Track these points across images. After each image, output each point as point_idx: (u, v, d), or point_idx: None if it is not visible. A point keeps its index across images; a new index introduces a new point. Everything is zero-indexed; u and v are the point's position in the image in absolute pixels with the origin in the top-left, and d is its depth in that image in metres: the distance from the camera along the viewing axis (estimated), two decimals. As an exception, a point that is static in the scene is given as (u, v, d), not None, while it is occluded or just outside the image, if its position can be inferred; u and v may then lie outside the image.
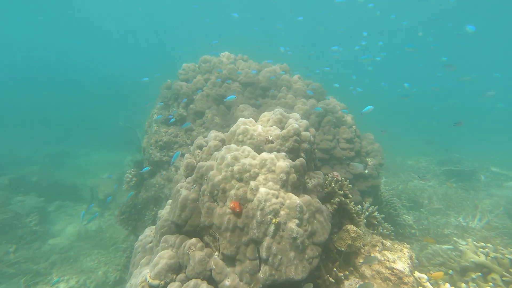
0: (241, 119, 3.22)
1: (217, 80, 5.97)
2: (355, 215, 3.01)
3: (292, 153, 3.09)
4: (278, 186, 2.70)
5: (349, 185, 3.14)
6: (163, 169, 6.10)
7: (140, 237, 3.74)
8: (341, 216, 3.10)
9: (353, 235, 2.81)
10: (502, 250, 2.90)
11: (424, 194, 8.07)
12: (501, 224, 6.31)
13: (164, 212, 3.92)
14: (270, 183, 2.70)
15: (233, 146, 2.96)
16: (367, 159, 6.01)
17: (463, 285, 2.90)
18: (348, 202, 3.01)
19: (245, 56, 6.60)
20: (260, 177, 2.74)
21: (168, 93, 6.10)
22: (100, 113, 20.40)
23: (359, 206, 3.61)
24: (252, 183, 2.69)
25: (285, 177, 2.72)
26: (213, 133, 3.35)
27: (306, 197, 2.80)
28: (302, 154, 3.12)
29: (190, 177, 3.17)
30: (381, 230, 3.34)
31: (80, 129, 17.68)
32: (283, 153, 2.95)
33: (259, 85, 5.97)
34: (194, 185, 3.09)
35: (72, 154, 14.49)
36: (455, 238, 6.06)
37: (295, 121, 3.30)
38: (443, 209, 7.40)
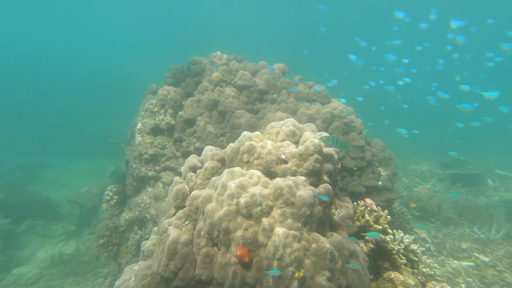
0: (245, 133, 2.49)
1: (209, 83, 5.23)
2: (397, 257, 2.34)
3: (313, 176, 2.40)
4: (299, 225, 2.00)
5: (388, 217, 2.47)
6: (149, 186, 5.28)
7: (116, 284, 2.93)
8: (376, 255, 2.42)
9: None
10: None
11: (432, 202, 7.57)
12: (523, 235, 5.85)
13: (149, 244, 3.13)
14: (289, 221, 1.99)
15: (237, 169, 2.24)
16: (380, 169, 5.40)
17: None
18: (388, 240, 2.34)
19: (239, 57, 5.90)
20: (275, 213, 2.03)
21: (154, 99, 5.30)
22: (84, 118, 19.09)
23: (391, 236, 2.93)
24: (265, 220, 1.98)
25: (308, 212, 2.02)
26: (209, 151, 2.61)
27: (336, 237, 2.11)
28: (325, 177, 2.43)
29: (181, 210, 2.42)
30: (424, 270, 2.68)
31: (60, 136, 16.35)
32: (303, 178, 2.25)
33: (256, 88, 5.28)
34: (186, 222, 2.34)
35: (48, 164, 13.24)
36: (476, 254, 5.54)
37: (313, 134, 2.61)
38: (455, 218, 6.91)
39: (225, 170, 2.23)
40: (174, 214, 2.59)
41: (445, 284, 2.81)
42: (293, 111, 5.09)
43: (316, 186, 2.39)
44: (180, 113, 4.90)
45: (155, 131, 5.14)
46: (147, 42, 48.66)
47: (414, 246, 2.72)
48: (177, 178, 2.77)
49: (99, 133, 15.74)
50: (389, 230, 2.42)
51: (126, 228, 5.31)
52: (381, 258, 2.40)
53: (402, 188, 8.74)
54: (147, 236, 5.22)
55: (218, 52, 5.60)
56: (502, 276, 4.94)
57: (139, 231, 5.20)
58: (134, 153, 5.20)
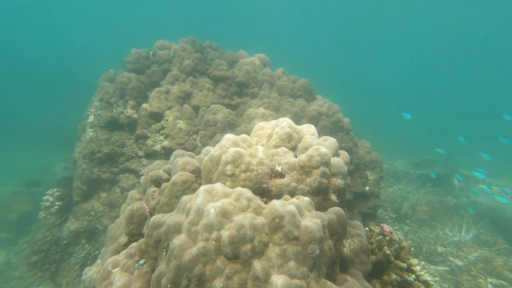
0: (228, 136, 1.83)
1: (180, 72, 4.40)
2: None
3: (318, 196, 1.83)
4: (305, 269, 1.42)
5: (411, 249, 2.00)
6: (103, 191, 4.34)
7: None
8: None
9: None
10: None
11: (406, 203, 7.64)
12: (492, 238, 6.05)
13: (92, 273, 2.34)
14: (292, 264, 1.40)
15: (218, 188, 1.58)
16: (367, 173, 5.10)
17: None
18: (412, 281, 1.87)
19: (214, 44, 5.11)
20: (272, 252, 1.42)
21: (111, 87, 4.32)
22: (28, 105, 16.45)
23: (414, 277, 2.51)
24: (258, 264, 1.37)
25: (317, 250, 1.45)
26: (180, 158, 1.90)
27: (352, 284, 1.57)
28: (334, 197, 1.88)
29: (135, 244, 1.69)
30: None
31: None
32: (307, 200, 1.67)
33: (234, 80, 4.59)
34: (141, 262, 1.62)
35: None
36: (450, 258, 5.57)
37: (316, 139, 2.04)
38: (428, 220, 7.02)
39: (202, 188, 1.55)
40: (126, 244, 1.85)
41: None
42: (276, 107, 4.51)
43: (322, 208, 1.83)
44: (145, 105, 4.02)
45: (112, 125, 4.20)
46: (103, 19, 41.95)
47: (427, 276, 2.32)
48: (133, 193, 2.01)
49: (44, 124, 13.64)
50: (414, 268, 1.96)
51: (70, 241, 4.33)
52: None
53: (380, 189, 8.72)
54: (97, 252, 4.31)
55: (191, 37, 4.76)
56: (476, 281, 4.98)
57: (87, 245, 4.27)
58: (84, 151, 4.20)
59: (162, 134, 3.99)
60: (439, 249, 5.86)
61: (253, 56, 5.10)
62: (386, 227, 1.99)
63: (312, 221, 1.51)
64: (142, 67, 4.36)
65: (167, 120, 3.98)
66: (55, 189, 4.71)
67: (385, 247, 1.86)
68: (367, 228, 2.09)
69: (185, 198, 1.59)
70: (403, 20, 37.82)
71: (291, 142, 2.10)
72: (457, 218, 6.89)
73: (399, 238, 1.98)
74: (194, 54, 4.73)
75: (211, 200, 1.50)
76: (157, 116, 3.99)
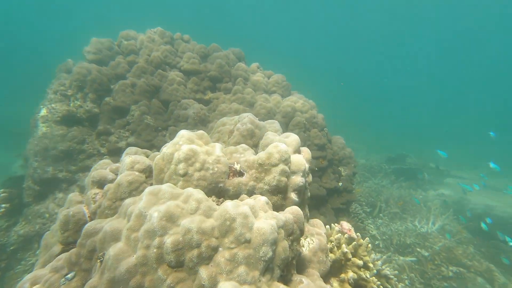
0: (182, 132, 1.69)
1: (147, 65, 4.12)
2: None
3: (277, 195, 1.75)
4: (256, 273, 1.33)
5: (369, 245, 1.98)
6: (59, 191, 4.01)
7: None
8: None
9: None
10: None
11: (381, 197, 7.91)
12: (455, 228, 6.42)
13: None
14: (242, 269, 1.30)
15: (164, 188, 1.43)
16: (340, 169, 5.16)
17: None
18: (368, 277, 1.85)
19: (186, 36, 4.86)
20: (221, 257, 1.32)
21: (68, 78, 3.96)
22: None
23: (370, 273, 2.52)
24: (204, 271, 1.26)
25: (270, 253, 1.36)
26: (129, 157, 1.72)
27: (307, 286, 1.51)
28: (293, 195, 1.80)
29: (64, 254, 1.50)
30: None
31: None
32: (263, 199, 1.58)
33: (207, 74, 4.39)
34: (68, 276, 1.44)
35: None
36: (418, 249, 5.83)
37: (277, 136, 1.95)
38: (399, 213, 7.30)
39: (147, 190, 1.40)
40: (60, 255, 1.66)
41: None
42: (250, 103, 4.39)
43: (281, 208, 1.75)
44: (107, 99, 3.72)
45: (69, 120, 3.86)
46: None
47: (387, 270, 2.34)
48: (72, 196, 1.81)
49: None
50: (371, 264, 1.94)
51: (18, 247, 3.97)
52: None
53: (354, 184, 8.95)
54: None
55: (159, 28, 4.47)
56: (440, 269, 5.25)
57: (38, 251, 3.91)
58: (36, 147, 3.83)
59: (127, 130, 3.73)
60: (408, 240, 6.11)
61: (227, 50, 4.93)
62: (345, 225, 1.96)
63: (266, 222, 1.42)
64: (105, 58, 4.02)
65: (133, 115, 3.72)
66: (1, 190, 4.29)
67: (343, 245, 1.83)
68: (327, 226, 2.05)
69: (128, 201, 1.43)
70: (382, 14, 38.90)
71: (253, 139, 2.00)
72: (425, 210, 7.23)
73: (357, 235, 1.95)
74: (164, 46, 4.47)
75: (156, 202, 1.36)
76: (122, 111, 3.72)
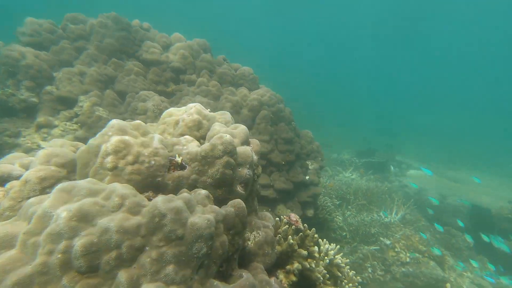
0: (113, 122, 1.55)
1: (99, 52, 3.80)
2: (323, 286, 1.89)
3: (221, 188, 1.67)
4: (188, 272, 1.25)
5: (315, 236, 1.98)
6: None
7: None
8: (301, 286, 1.92)
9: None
10: None
11: (350, 190, 8.20)
12: (414, 217, 6.84)
13: None
14: (170, 269, 1.22)
15: (81, 184, 1.29)
16: (308, 163, 5.22)
17: None
18: (314, 267, 1.85)
19: (146, 24, 4.56)
20: (146, 257, 1.22)
21: None
22: None
23: (315, 262, 2.54)
24: (123, 275, 1.16)
25: (204, 249, 1.29)
26: (43, 150, 1.53)
27: (245, 280, 1.46)
28: (239, 188, 1.74)
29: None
30: (346, 286, 2.37)
31: None
32: (203, 193, 1.50)
33: (169, 65, 4.17)
34: None
35: None
36: (381, 238, 6.14)
37: (224, 127, 1.87)
38: (367, 205, 7.63)
39: (58, 186, 1.25)
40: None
41: None
42: (215, 96, 4.26)
43: (226, 201, 1.67)
44: (49, 88, 3.37)
45: None
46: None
47: (339, 259, 2.38)
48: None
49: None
50: (316, 254, 1.94)
51: None
52: None
53: (325, 178, 9.22)
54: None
55: (114, 13, 4.13)
56: (399, 256, 5.57)
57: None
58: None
59: (76, 123, 3.42)
60: (373, 230, 6.41)
61: (191, 40, 4.72)
62: (293, 216, 1.95)
63: (202, 217, 1.34)
64: (45, 42, 3.63)
65: (82, 106, 3.42)
66: None
67: (290, 236, 1.81)
68: (277, 219, 2.03)
69: (32, 200, 1.26)
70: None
71: (201, 131, 1.89)
72: (389, 201, 7.62)
73: (304, 226, 1.95)
74: (119, 33, 4.14)
75: (69, 201, 1.22)
76: (67, 102, 3.40)
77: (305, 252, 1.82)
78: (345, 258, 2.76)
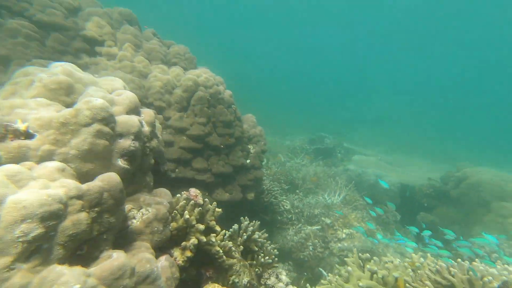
0: None
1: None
2: (225, 263, 1.78)
3: (93, 161, 1.41)
4: (8, 260, 0.99)
5: (217, 210, 1.85)
6: None
7: None
8: (199, 263, 1.79)
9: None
10: (388, 262, 2.53)
11: (299, 175, 8.48)
12: (353, 197, 7.36)
13: None
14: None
15: None
16: (250, 147, 5.15)
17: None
18: (213, 241, 1.73)
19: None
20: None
21: None
22: None
23: (234, 228, 2.47)
24: None
25: (37, 231, 1.05)
26: None
27: (112, 262, 1.25)
28: (122, 162, 1.50)
29: None
30: (262, 260, 2.34)
31: None
32: (52, 165, 1.22)
33: (80, 33, 3.56)
34: None
35: None
36: (323, 218, 6.48)
37: (102, 92, 1.58)
38: (314, 188, 7.97)
39: None
40: None
41: (280, 270, 2.64)
42: (143, 73, 3.84)
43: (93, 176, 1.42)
44: None
45: None
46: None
47: (257, 235, 2.34)
48: None
49: None
50: (218, 228, 1.82)
51: None
52: (205, 265, 1.79)
53: (277, 164, 9.38)
54: None
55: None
56: (337, 233, 5.95)
57: None
58: None
59: None
60: (316, 211, 6.72)
61: (111, 8, 4.14)
62: (193, 191, 1.79)
63: (34, 192, 1.07)
64: None
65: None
66: None
67: (186, 211, 1.65)
68: (178, 195, 1.85)
69: None
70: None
71: (72, 96, 1.58)
72: (334, 184, 8.08)
73: (205, 201, 1.82)
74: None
75: None
76: None
77: (202, 227, 1.69)
78: (265, 234, 2.74)
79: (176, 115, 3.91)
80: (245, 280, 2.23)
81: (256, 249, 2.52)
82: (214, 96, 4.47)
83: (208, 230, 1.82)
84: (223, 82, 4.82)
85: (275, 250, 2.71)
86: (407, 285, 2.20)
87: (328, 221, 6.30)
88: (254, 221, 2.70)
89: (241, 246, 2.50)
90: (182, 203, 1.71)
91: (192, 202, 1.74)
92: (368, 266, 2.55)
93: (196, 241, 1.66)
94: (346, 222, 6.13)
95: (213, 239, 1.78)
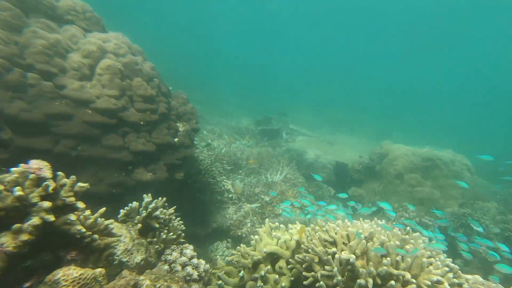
0: None
1: None
2: (95, 243, 1.50)
3: None
4: None
5: (81, 185, 1.53)
6: None
7: None
8: (56, 245, 1.48)
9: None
10: (292, 229, 2.57)
11: (243, 155, 8.44)
12: (293, 175, 7.65)
13: None
14: None
15: None
16: (178, 124, 4.78)
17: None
18: (72, 220, 1.42)
19: None
20: None
21: None
22: None
23: (131, 206, 2.20)
24: None
25: None
26: None
27: None
28: None
29: None
30: (164, 236, 2.15)
31: None
32: None
33: None
34: None
35: None
36: (262, 196, 6.59)
37: None
38: (257, 168, 8.04)
39: None
40: None
41: (187, 245, 2.49)
42: (12, 26, 3.02)
43: None
44: None
45: None
46: None
47: (159, 212, 2.14)
48: None
49: None
50: (81, 205, 1.52)
51: None
52: (66, 247, 1.50)
53: (222, 145, 9.17)
54: None
55: None
56: (274, 210, 6.13)
57: None
58: None
59: None
60: (257, 190, 6.80)
61: None
62: (35, 163, 1.44)
63: None
64: None
65: None
66: None
67: (17, 187, 1.31)
68: (15, 169, 1.47)
69: None
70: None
71: None
72: (276, 163, 8.27)
73: (59, 175, 1.49)
74: None
75: None
76: None
77: (48, 204, 1.36)
78: (171, 210, 2.55)
79: (75, 84, 3.29)
80: (139, 258, 2.02)
81: (157, 226, 2.31)
82: (129, 66, 3.92)
83: (66, 208, 1.51)
84: (142, 52, 4.27)
85: (182, 226, 2.55)
86: (302, 246, 2.28)
87: (267, 198, 6.44)
88: (159, 198, 2.47)
89: (140, 224, 2.27)
90: (11, 177, 1.34)
91: (32, 176, 1.39)
92: (274, 233, 2.58)
93: (38, 221, 1.33)
94: (284, 198, 6.34)
95: (72, 217, 1.48)
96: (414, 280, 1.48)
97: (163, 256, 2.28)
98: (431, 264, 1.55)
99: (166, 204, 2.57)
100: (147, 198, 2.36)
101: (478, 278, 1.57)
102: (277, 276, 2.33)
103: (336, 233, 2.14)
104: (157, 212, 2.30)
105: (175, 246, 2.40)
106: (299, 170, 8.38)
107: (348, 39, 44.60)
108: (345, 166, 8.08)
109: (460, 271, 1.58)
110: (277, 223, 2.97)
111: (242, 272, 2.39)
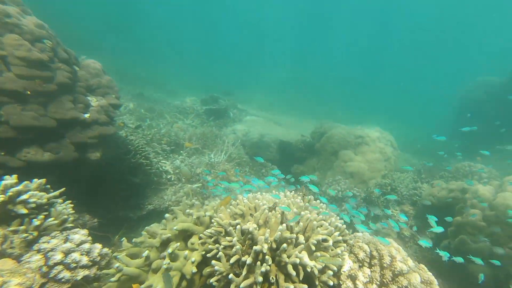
0: None
1: None
2: None
3: None
4: None
5: None
6: None
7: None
8: None
9: None
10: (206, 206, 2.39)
11: (185, 136, 7.93)
12: (237, 154, 7.50)
13: None
14: None
15: None
16: (90, 98, 4.05)
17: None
18: None
19: None
20: None
21: None
22: None
23: None
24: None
25: None
26: None
27: None
28: None
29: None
30: (37, 223, 1.70)
31: None
32: None
33: None
34: None
35: None
36: (203, 176, 6.30)
37: None
38: (200, 149, 7.66)
39: None
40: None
41: (76, 230, 2.11)
42: None
43: None
44: None
45: None
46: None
47: (27, 195, 1.68)
48: None
49: None
50: None
51: None
52: None
53: (162, 125, 8.48)
54: None
55: None
56: (215, 188, 5.94)
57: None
58: None
59: None
60: (198, 170, 6.48)
61: None
62: None
63: None
64: None
65: None
66: None
67: None
68: None
69: None
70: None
71: None
72: (221, 144, 7.99)
73: None
74: None
75: None
76: None
77: None
78: (56, 193, 2.08)
79: None
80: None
81: (25, 211, 1.85)
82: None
83: None
84: (22, 3, 3.37)
85: (70, 209, 2.12)
86: (213, 220, 2.15)
87: (209, 178, 6.19)
88: (35, 180, 1.98)
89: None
90: None
91: None
92: (187, 210, 2.39)
93: None
94: (225, 178, 6.17)
95: None
96: (303, 241, 1.44)
97: (36, 245, 1.85)
98: (321, 226, 1.53)
99: (49, 186, 2.09)
100: (9, 179, 1.85)
101: (367, 234, 1.64)
102: (187, 251, 2.17)
103: (244, 206, 2.04)
104: (24, 196, 1.83)
105: (58, 233, 1.98)
106: (245, 150, 8.28)
107: (303, 21, 45.20)
108: (289, 144, 8.26)
109: (346, 230, 1.61)
110: (193, 201, 2.78)
111: (146, 251, 2.15)
